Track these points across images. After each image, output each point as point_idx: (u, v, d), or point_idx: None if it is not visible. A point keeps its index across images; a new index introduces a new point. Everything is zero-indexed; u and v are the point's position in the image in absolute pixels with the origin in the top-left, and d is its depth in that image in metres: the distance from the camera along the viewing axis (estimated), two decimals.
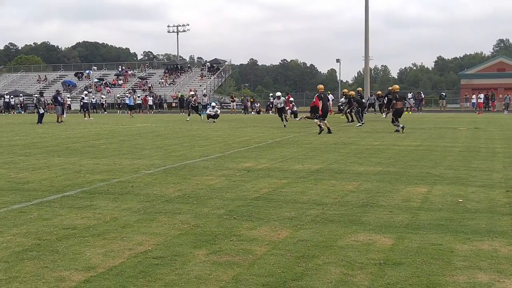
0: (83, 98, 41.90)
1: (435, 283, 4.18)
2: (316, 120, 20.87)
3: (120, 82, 74.99)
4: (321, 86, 21.61)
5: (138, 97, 56.54)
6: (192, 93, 39.19)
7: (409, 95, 51.30)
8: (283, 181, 9.24)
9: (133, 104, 45.84)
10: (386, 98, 24.97)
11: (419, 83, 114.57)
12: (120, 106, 61.65)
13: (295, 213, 6.72)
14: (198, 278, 4.34)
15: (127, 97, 51.85)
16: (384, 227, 5.98)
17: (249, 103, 55.87)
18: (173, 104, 63.04)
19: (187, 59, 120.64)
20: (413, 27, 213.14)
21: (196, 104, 35.57)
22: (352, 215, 6.57)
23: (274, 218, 6.46)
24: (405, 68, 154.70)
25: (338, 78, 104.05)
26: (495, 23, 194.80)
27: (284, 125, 25.63)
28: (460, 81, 79.27)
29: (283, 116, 26.88)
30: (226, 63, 77.36)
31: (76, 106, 58.12)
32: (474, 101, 52.79)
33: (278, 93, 29.09)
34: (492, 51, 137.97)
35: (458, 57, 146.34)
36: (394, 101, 21.46)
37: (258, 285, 4.18)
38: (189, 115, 35.29)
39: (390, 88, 25.67)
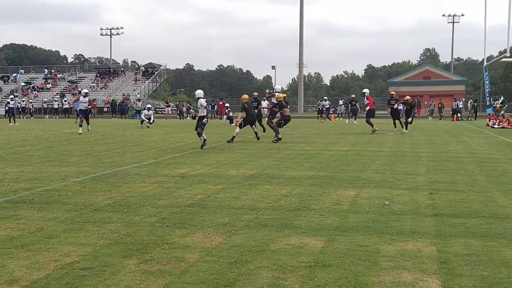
0: (8, 103, 40.24)
1: (363, 284, 4.33)
2: (236, 130, 19.87)
3: (49, 86, 72.89)
4: (244, 96, 20.79)
5: (65, 101, 55.18)
6: (85, 91, 27.51)
7: (340, 102, 53.09)
8: (218, 186, 9.27)
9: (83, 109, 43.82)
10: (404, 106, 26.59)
11: (350, 90, 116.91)
12: (48, 111, 60.00)
13: (229, 218, 6.77)
14: None
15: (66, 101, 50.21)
16: (315, 230, 6.12)
17: (184, 108, 55.58)
18: (105, 109, 61.75)
19: (121, 63, 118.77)
20: (345, 36, 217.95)
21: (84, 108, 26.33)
22: (285, 219, 6.68)
23: (208, 224, 6.48)
24: (337, 75, 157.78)
25: (273, 85, 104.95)
26: (422, 33, 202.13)
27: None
28: (388, 89, 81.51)
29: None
30: (161, 67, 76.59)
31: (1, 111, 56.05)
32: (401, 107, 54.48)
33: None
34: (419, 59, 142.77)
35: (387, 65, 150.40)
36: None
37: None
38: (76, 122, 28.04)
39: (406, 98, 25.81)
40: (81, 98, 25.89)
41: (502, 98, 41.93)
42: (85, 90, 27.61)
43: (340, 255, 5.12)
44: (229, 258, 5.08)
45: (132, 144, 18.73)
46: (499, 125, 30.11)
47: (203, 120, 16.93)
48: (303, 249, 5.35)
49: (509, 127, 29.17)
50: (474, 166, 11.83)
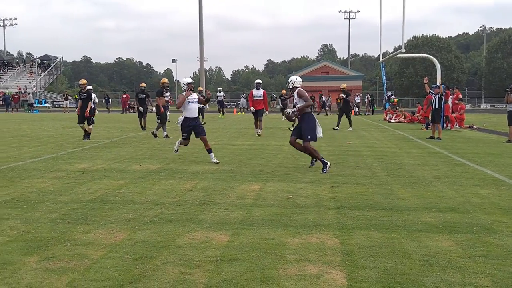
0: None
1: (268, 277, 4.39)
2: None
3: None
4: (82, 80, 18.53)
5: None
6: None
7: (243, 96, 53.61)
8: (121, 181, 9.07)
9: None
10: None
11: (251, 85, 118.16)
12: None
13: (133, 214, 6.65)
14: (29, 287, 4.13)
15: None
16: (220, 224, 6.14)
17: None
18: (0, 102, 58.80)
19: (15, 55, 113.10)
20: (244, 30, 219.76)
21: None
22: (190, 214, 6.66)
23: (111, 220, 6.33)
24: (238, 70, 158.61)
25: (174, 78, 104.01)
26: (319, 29, 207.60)
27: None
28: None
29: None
30: (57, 59, 73.88)
31: None
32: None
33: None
34: (317, 55, 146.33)
35: (286, 60, 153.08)
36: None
37: None
38: None
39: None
40: None
41: (390, 93, 44.11)
42: None
43: (246, 249, 5.16)
44: (134, 254, 4.99)
45: (29, 139, 17.94)
46: (395, 119, 31.49)
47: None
48: (209, 244, 5.35)
49: (405, 121, 30.58)
50: (373, 159, 12.33)
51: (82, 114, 17.54)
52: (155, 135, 18.20)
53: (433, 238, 5.64)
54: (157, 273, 4.47)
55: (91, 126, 17.93)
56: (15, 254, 4.95)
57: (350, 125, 23.90)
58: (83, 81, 18.44)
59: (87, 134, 17.61)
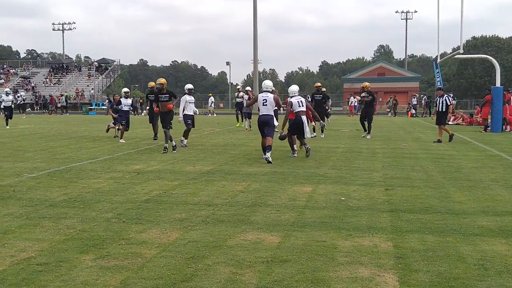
0: None
1: (320, 279, 4.36)
2: None
3: (1, 81, 70.97)
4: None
5: (18, 96, 53.92)
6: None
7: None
8: (174, 182, 9.21)
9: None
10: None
11: (305, 87, 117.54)
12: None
13: (186, 214, 6.73)
14: (84, 284, 4.24)
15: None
16: (272, 226, 6.14)
17: (138, 104, 55.00)
18: (59, 105, 60.56)
19: (74, 58, 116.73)
20: (297, 32, 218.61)
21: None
22: (242, 215, 6.69)
23: (164, 220, 6.44)
24: (292, 71, 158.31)
25: (228, 81, 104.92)
26: (375, 30, 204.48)
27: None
28: (343, 85, 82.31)
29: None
30: (114, 63, 75.65)
31: None
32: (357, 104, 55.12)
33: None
34: (373, 56, 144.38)
35: (341, 62, 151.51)
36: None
37: None
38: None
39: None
40: None
41: (451, 94, 42.99)
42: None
43: (297, 251, 5.15)
44: (186, 253, 5.05)
45: (86, 140, 18.42)
46: (453, 121, 30.69)
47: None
48: (260, 245, 5.36)
49: (464, 123, 29.78)
50: (429, 162, 12.07)
51: None
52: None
53: (489, 242, 5.49)
54: (208, 272, 4.51)
55: None
56: (71, 252, 5.09)
57: (369, 132, 19.70)
58: None
59: None
